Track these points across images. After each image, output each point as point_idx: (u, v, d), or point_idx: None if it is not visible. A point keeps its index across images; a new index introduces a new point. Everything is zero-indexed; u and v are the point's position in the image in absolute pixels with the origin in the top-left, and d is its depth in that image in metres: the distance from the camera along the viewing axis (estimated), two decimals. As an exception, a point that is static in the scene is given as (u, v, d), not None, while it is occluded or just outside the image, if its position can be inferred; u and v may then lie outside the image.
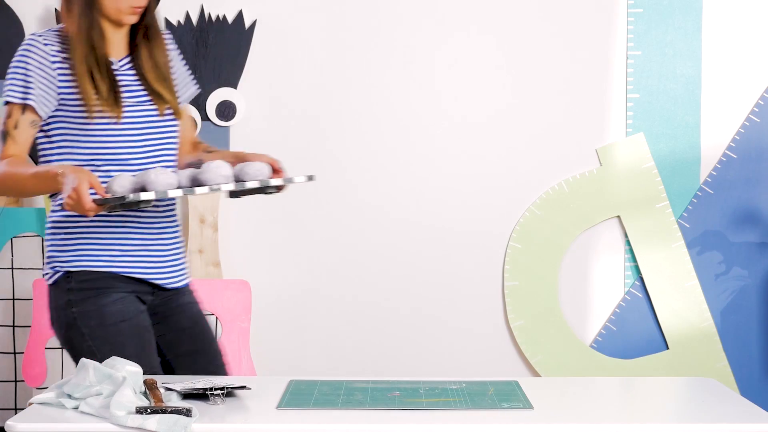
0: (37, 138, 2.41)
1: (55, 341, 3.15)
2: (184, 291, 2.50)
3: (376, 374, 3.39)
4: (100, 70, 2.37)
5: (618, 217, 3.54)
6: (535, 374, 3.54)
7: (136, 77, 2.44)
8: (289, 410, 1.98)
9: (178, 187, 2.22)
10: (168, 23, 3.49)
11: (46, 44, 2.37)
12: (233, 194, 2.36)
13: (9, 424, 1.87)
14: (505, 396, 2.09)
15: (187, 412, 1.88)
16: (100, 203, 2.17)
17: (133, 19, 2.40)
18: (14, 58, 2.39)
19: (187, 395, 2.05)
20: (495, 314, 3.56)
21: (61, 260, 2.39)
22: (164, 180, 2.20)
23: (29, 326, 3.27)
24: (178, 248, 2.49)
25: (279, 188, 2.37)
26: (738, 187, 3.52)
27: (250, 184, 2.28)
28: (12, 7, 3.47)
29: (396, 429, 1.89)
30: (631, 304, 3.54)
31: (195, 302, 2.53)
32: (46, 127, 2.39)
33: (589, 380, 2.36)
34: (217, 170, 2.25)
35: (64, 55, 2.38)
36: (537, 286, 3.53)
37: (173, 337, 2.46)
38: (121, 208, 2.19)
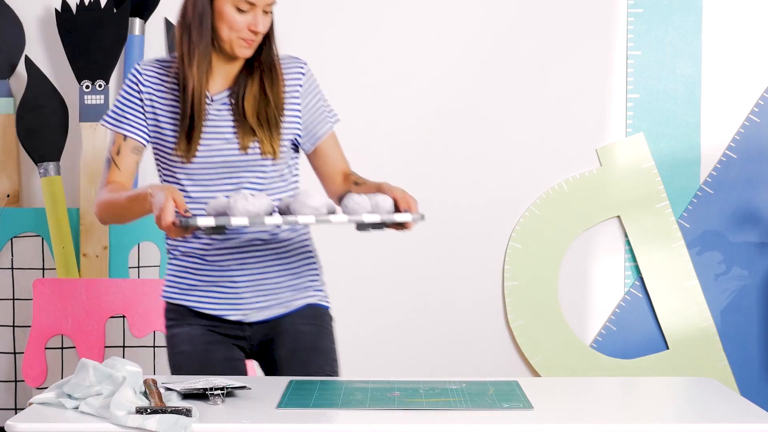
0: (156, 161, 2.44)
1: (55, 341, 3.15)
2: (294, 315, 2.47)
3: (376, 374, 3.39)
4: (192, 106, 2.34)
5: (618, 217, 3.54)
6: (535, 374, 3.54)
7: (229, 112, 2.38)
8: (289, 410, 1.98)
9: (247, 217, 2.13)
10: (168, 23, 3.49)
11: (145, 74, 2.39)
12: (359, 227, 2.25)
13: (9, 424, 1.87)
14: (505, 396, 2.09)
15: (187, 412, 1.88)
16: (180, 225, 2.13)
17: (248, 52, 2.35)
18: (120, 90, 2.42)
19: (187, 395, 2.05)
20: (495, 314, 3.56)
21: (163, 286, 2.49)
22: (243, 207, 2.13)
23: (29, 326, 3.28)
24: (269, 281, 2.44)
25: (400, 225, 2.27)
26: (738, 187, 3.52)
27: (334, 218, 2.18)
28: (12, 7, 3.47)
29: (396, 429, 1.89)
30: (631, 304, 3.54)
31: (308, 324, 2.47)
32: (154, 151, 2.41)
33: (589, 380, 2.36)
34: (306, 200, 2.17)
35: (164, 85, 2.38)
36: (537, 286, 3.53)
37: (286, 358, 2.45)
38: (212, 232, 2.15)
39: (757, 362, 3.54)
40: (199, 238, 2.42)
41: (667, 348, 3.52)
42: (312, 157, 2.51)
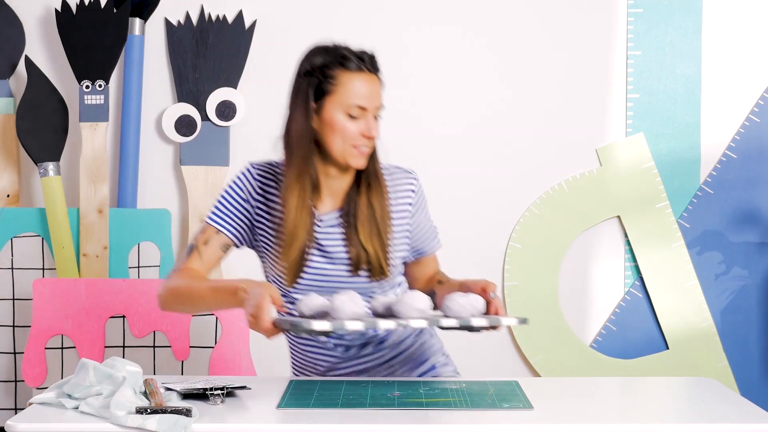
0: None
1: (55, 341, 3.15)
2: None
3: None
4: (299, 231, 2.23)
5: (618, 217, 3.54)
6: (535, 374, 3.53)
7: (341, 234, 2.27)
8: (289, 410, 1.98)
9: (361, 320, 2.04)
10: (168, 23, 3.49)
11: (257, 177, 2.29)
12: (463, 328, 2.14)
13: (9, 424, 1.87)
14: (505, 396, 2.09)
15: (187, 412, 1.88)
16: (278, 325, 2.05)
17: (361, 161, 2.23)
18: (226, 186, 2.32)
19: (187, 395, 2.05)
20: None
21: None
22: (350, 309, 2.04)
23: (29, 326, 3.27)
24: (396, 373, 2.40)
25: (490, 327, 2.13)
26: (738, 187, 3.52)
27: (446, 322, 2.09)
28: (12, 7, 3.47)
29: (396, 429, 1.89)
30: (631, 304, 3.54)
31: None
32: (263, 258, 2.33)
33: (589, 380, 2.36)
34: (412, 302, 2.09)
35: (273, 191, 2.28)
36: (537, 286, 3.53)
37: None
38: (317, 334, 2.06)
39: (757, 362, 3.54)
40: (319, 348, 2.36)
41: (667, 348, 3.52)
42: (408, 265, 2.43)
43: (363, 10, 3.52)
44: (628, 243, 3.54)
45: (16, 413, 2.85)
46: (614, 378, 2.90)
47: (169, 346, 3.16)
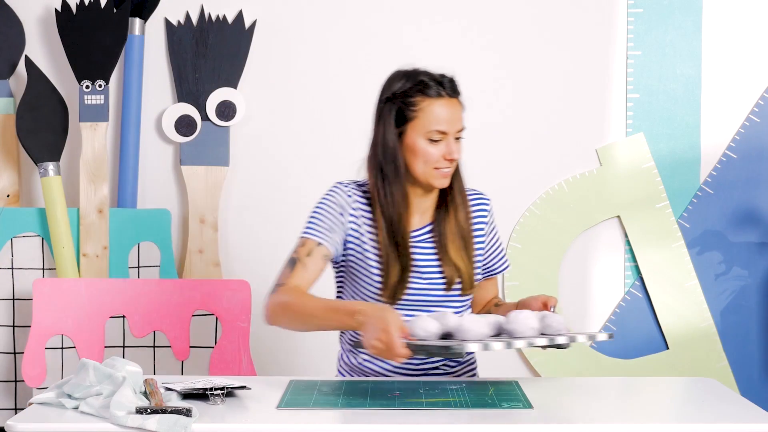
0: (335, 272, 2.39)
1: (55, 341, 3.15)
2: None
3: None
4: (397, 250, 2.29)
5: (618, 217, 3.54)
6: (535, 374, 3.53)
7: (433, 248, 2.35)
8: (289, 410, 1.98)
9: (491, 340, 2.05)
10: (168, 23, 3.49)
11: (349, 195, 2.34)
12: (545, 347, 2.17)
13: (9, 424, 1.87)
14: (505, 396, 2.09)
15: (187, 412, 1.88)
16: (412, 349, 2.01)
17: (445, 182, 2.30)
18: (318, 201, 2.37)
19: (187, 395, 2.05)
20: (495, 314, 3.55)
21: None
22: (477, 329, 2.07)
23: (29, 326, 3.27)
24: None
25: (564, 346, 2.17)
26: (738, 187, 3.52)
27: (539, 341, 2.09)
28: (12, 7, 3.47)
29: (396, 429, 1.89)
30: (631, 304, 3.54)
31: None
32: (352, 275, 2.36)
33: (589, 380, 2.36)
34: (526, 322, 2.12)
35: (364, 210, 2.34)
36: (537, 286, 3.53)
37: None
38: (425, 354, 2.03)
39: (757, 362, 3.54)
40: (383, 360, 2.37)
41: (667, 348, 3.52)
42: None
43: (363, 10, 3.52)
44: (628, 243, 3.54)
45: (16, 413, 2.85)
46: (614, 378, 2.90)
47: (169, 346, 3.16)
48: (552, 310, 2.29)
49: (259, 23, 3.50)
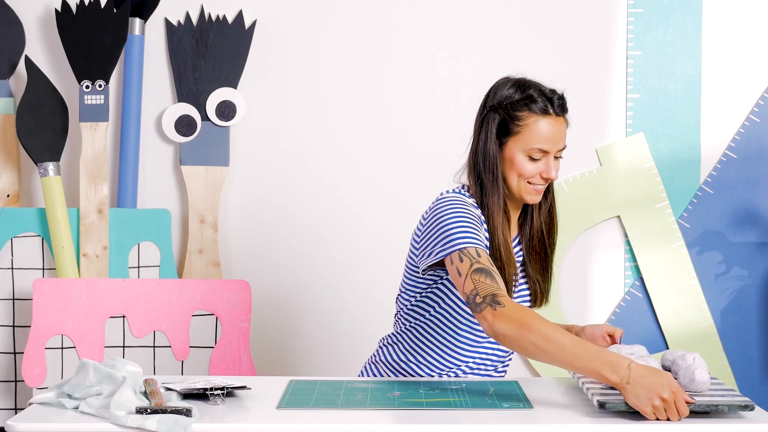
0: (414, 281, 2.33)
1: (55, 341, 3.15)
2: None
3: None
4: (501, 256, 2.25)
5: (618, 217, 3.54)
6: (535, 374, 3.53)
7: (520, 262, 2.34)
8: (289, 410, 1.98)
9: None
10: (168, 23, 3.49)
11: (475, 207, 2.27)
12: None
13: (9, 424, 1.87)
14: (505, 396, 2.09)
15: (187, 412, 1.88)
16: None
17: (537, 198, 2.28)
18: (443, 212, 2.21)
19: (187, 395, 2.05)
20: (495, 314, 3.55)
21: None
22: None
23: (29, 326, 3.27)
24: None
25: None
26: (738, 187, 3.52)
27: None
28: (12, 7, 3.47)
29: (396, 429, 1.89)
30: (631, 304, 3.54)
31: None
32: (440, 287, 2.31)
33: (589, 380, 2.36)
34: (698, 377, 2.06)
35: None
36: (537, 286, 3.53)
37: None
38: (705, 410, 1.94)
39: (757, 362, 3.54)
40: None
41: (667, 348, 3.52)
42: None
43: (363, 10, 3.52)
44: (628, 243, 3.54)
45: (16, 413, 2.85)
46: (614, 378, 2.90)
47: (169, 346, 3.16)
48: (619, 342, 2.31)
49: (259, 23, 3.51)
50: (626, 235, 3.54)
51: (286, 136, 3.54)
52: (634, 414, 1.96)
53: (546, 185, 2.30)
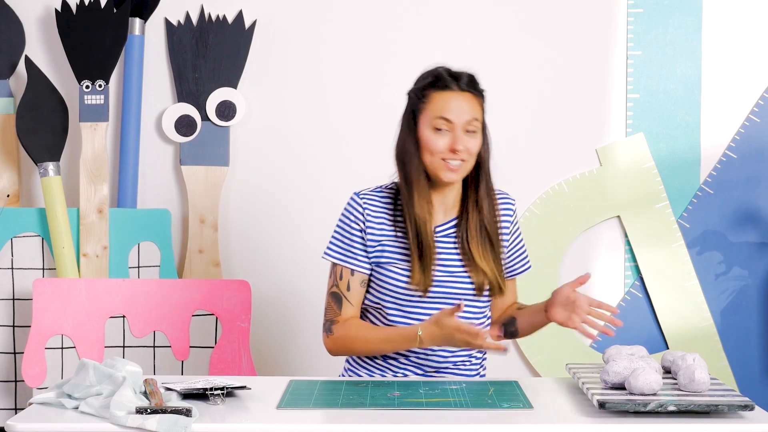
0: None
1: (55, 341, 3.14)
2: None
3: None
4: (419, 237, 2.32)
5: (618, 217, 3.54)
6: (535, 374, 3.53)
7: (455, 246, 2.38)
8: (289, 410, 1.98)
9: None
10: (168, 23, 3.49)
11: (367, 206, 2.38)
12: None
13: (9, 424, 1.87)
14: (505, 396, 2.09)
15: (187, 412, 1.88)
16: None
17: (452, 176, 2.33)
18: (339, 218, 2.43)
19: (187, 395, 2.05)
20: (495, 314, 3.55)
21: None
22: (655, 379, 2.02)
23: (29, 326, 3.27)
24: None
25: None
26: (738, 187, 3.52)
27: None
28: (12, 7, 3.47)
29: (396, 429, 1.89)
30: (631, 304, 3.54)
31: None
32: (373, 279, 2.41)
33: (589, 380, 2.36)
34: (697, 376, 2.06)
35: (388, 215, 2.38)
36: (537, 286, 3.52)
37: None
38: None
39: (757, 362, 3.54)
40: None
41: (667, 348, 3.52)
42: None
43: (363, 10, 3.52)
44: (628, 243, 3.54)
45: (16, 413, 2.85)
46: (614, 378, 2.90)
47: (169, 346, 3.16)
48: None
49: (259, 23, 3.51)
50: (626, 235, 3.54)
51: (286, 136, 3.54)
52: (634, 414, 1.96)
53: (461, 161, 2.33)
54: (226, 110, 3.48)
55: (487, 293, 2.40)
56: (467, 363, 2.43)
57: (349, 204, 2.41)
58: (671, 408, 1.95)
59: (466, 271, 2.36)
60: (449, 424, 1.90)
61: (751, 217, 3.52)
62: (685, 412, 1.96)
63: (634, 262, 3.54)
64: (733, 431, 1.89)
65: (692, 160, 3.52)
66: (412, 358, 2.39)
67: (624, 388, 2.06)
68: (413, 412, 1.97)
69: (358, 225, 2.38)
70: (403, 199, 2.35)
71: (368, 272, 2.39)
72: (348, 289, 2.38)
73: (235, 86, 3.49)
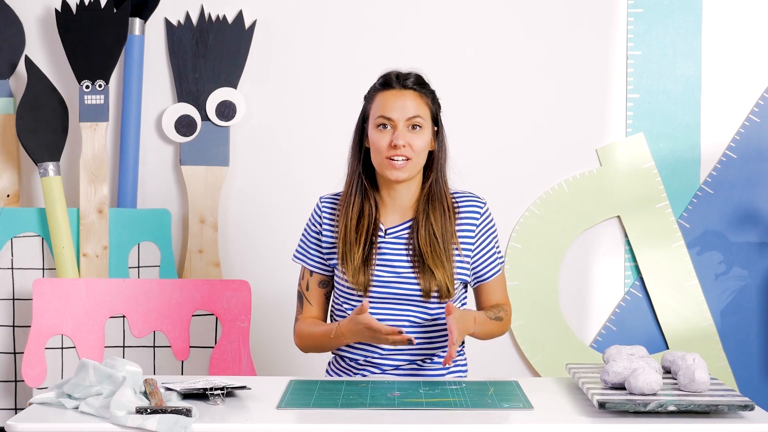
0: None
1: (55, 341, 3.14)
2: None
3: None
4: (359, 239, 2.37)
5: (618, 217, 3.54)
6: (535, 374, 3.53)
7: (405, 248, 2.39)
8: (289, 410, 1.98)
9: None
10: (168, 23, 3.49)
11: (324, 208, 2.47)
12: None
13: (9, 424, 1.87)
14: (505, 396, 2.09)
15: (187, 412, 1.88)
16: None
17: (397, 174, 2.35)
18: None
19: (187, 395, 2.05)
20: (495, 314, 3.55)
21: None
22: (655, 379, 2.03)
23: (29, 326, 3.27)
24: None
25: None
26: (738, 187, 3.52)
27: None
28: (12, 7, 3.47)
29: (396, 429, 1.89)
30: (631, 304, 3.54)
31: None
32: (336, 279, 2.47)
33: (589, 380, 2.36)
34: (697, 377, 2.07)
35: (338, 216, 2.44)
36: (537, 286, 3.53)
37: None
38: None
39: (757, 362, 3.54)
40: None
41: (667, 348, 3.52)
42: (474, 290, 2.54)
43: (363, 10, 3.52)
44: (628, 243, 3.54)
45: (16, 413, 2.85)
46: (614, 378, 2.90)
47: (169, 346, 3.16)
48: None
49: (259, 23, 3.51)
50: (626, 235, 3.54)
51: (286, 135, 3.54)
52: (634, 414, 1.96)
53: (404, 158, 2.35)
54: (226, 110, 3.48)
55: (436, 297, 2.37)
56: (428, 360, 2.44)
57: (313, 209, 2.50)
58: (671, 408, 1.95)
59: (414, 274, 2.36)
60: (449, 424, 1.90)
61: (751, 217, 3.52)
62: (685, 412, 1.96)
63: (634, 262, 3.54)
64: (733, 431, 1.90)
65: (692, 160, 3.52)
66: (369, 359, 2.42)
67: (624, 388, 2.06)
68: (413, 412, 1.97)
69: (316, 227, 2.47)
70: (344, 200, 2.42)
71: (327, 274, 2.47)
72: (307, 288, 2.49)
73: (235, 86, 3.49)
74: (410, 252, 2.37)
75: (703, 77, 3.52)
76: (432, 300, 2.38)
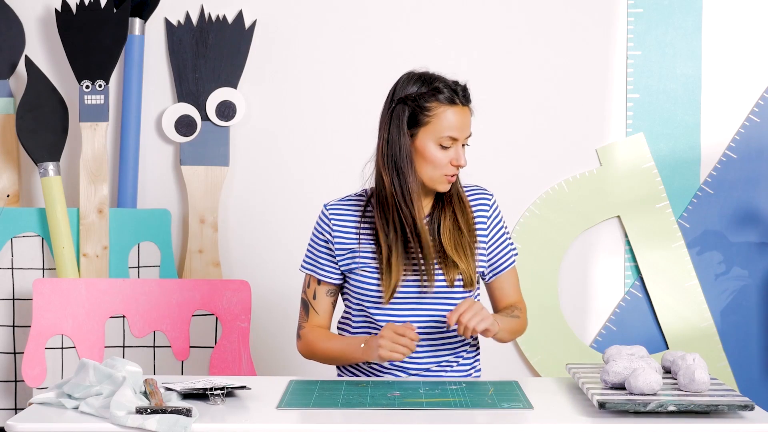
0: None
1: (55, 341, 3.14)
2: None
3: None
4: (421, 242, 2.34)
5: (618, 217, 3.54)
6: (535, 374, 3.53)
7: (431, 240, 2.39)
8: (289, 410, 1.98)
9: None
10: (168, 23, 3.49)
11: (333, 216, 2.43)
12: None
13: (9, 424, 1.87)
14: (505, 396, 2.09)
15: (187, 412, 1.88)
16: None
17: (448, 187, 2.37)
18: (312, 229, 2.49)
19: (187, 395, 2.05)
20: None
21: None
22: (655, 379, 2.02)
23: (29, 326, 3.27)
24: None
25: None
26: (738, 187, 3.52)
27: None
28: (12, 7, 3.47)
29: (396, 429, 1.89)
30: (631, 304, 3.54)
31: None
32: (346, 285, 2.45)
33: (589, 380, 2.36)
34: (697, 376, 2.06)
35: (352, 220, 2.41)
36: (537, 286, 3.53)
37: None
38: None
39: (757, 362, 3.54)
40: None
41: (667, 348, 3.52)
42: (488, 286, 2.53)
43: (363, 10, 3.52)
44: (628, 243, 3.54)
45: (16, 413, 2.85)
46: (614, 378, 2.90)
47: (169, 346, 3.16)
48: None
49: (259, 23, 3.51)
50: (626, 235, 3.54)
51: (286, 135, 3.54)
52: (634, 414, 1.96)
53: (457, 173, 2.37)
54: (226, 110, 3.48)
55: (459, 286, 2.38)
56: (454, 365, 2.44)
57: (318, 216, 2.46)
58: (671, 408, 1.95)
59: (438, 267, 2.37)
60: (449, 424, 1.90)
61: (751, 217, 3.52)
62: (685, 412, 1.96)
63: (634, 262, 3.54)
64: (733, 431, 1.90)
65: (692, 160, 3.52)
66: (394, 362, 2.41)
67: (624, 388, 2.06)
68: (413, 412, 1.97)
69: (324, 236, 2.43)
70: (392, 200, 2.35)
71: (337, 282, 2.44)
72: (314, 297, 2.45)
73: (235, 86, 3.49)
74: (436, 245, 2.38)
75: (703, 77, 3.52)
76: (455, 290, 2.38)
